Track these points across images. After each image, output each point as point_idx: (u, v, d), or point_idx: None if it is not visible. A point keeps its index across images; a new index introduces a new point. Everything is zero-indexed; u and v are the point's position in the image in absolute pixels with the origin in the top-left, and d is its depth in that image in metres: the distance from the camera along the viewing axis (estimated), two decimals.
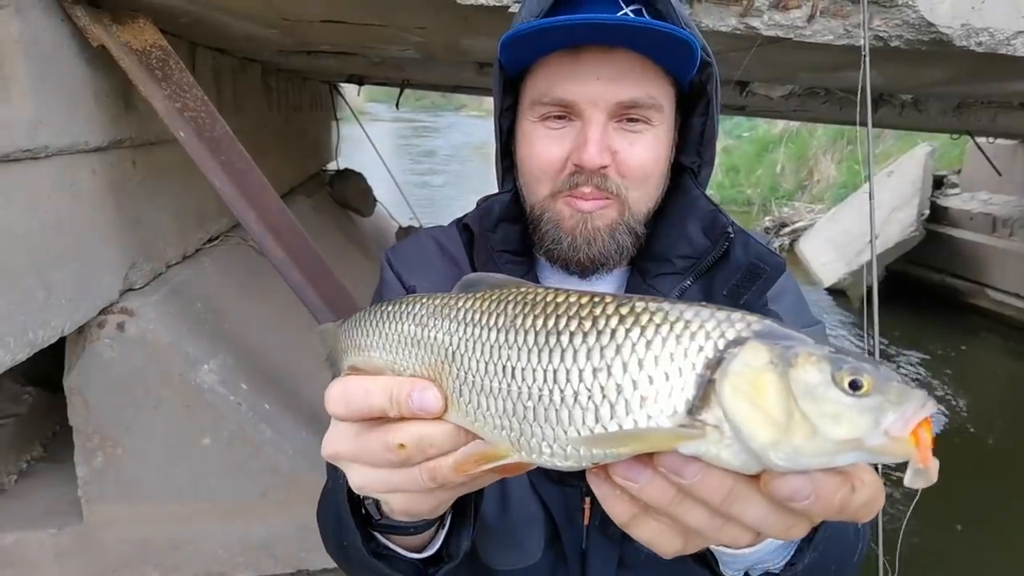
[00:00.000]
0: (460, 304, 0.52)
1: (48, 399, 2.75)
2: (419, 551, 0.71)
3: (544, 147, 0.83)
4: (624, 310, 0.45)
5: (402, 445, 0.50)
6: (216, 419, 2.33)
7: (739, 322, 0.43)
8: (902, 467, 0.40)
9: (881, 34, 2.12)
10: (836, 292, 8.06)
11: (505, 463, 0.48)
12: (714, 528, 0.45)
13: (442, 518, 0.70)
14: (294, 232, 2.23)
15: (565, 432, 0.45)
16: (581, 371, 0.45)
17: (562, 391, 0.45)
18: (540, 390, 0.46)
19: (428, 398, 0.50)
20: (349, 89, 7.03)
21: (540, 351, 0.46)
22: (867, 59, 2.00)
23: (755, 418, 0.40)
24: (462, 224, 0.96)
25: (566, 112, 0.82)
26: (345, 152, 7.62)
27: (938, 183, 8.49)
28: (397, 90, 6.27)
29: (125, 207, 2.30)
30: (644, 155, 0.82)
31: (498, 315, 0.49)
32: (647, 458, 0.43)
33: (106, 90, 2.14)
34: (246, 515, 2.42)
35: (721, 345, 0.42)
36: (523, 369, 0.47)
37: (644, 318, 0.44)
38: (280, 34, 2.79)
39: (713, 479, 0.43)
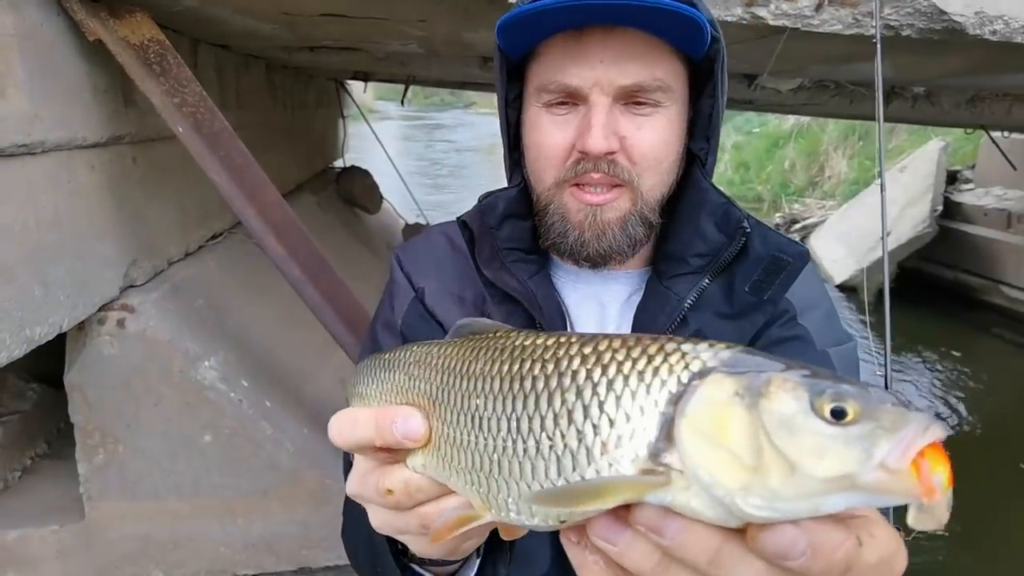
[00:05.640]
0: (441, 351, 0.51)
1: (53, 395, 2.75)
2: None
3: (549, 134, 0.80)
4: (587, 350, 0.42)
5: (390, 491, 0.49)
6: (217, 416, 2.32)
7: (705, 352, 0.39)
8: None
9: (892, 23, 2.07)
10: (847, 289, 7.97)
11: (480, 524, 0.45)
12: None
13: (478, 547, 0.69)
14: (294, 229, 2.21)
15: (529, 487, 0.41)
16: (543, 418, 0.41)
17: (524, 441, 0.42)
18: (504, 441, 0.43)
19: (412, 425, 0.48)
20: (358, 87, 7.02)
21: (504, 399, 0.44)
22: (880, 46, 1.95)
23: (718, 460, 0.35)
24: (461, 221, 0.91)
25: (570, 98, 0.79)
26: (353, 149, 7.62)
27: (952, 178, 8.37)
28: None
29: (125, 203, 2.29)
30: (653, 138, 0.79)
31: (471, 363, 0.47)
32: (625, 516, 0.38)
33: (104, 85, 2.13)
34: (247, 513, 2.40)
35: (685, 378, 0.38)
36: (488, 419, 0.44)
37: (607, 356, 0.41)
38: (281, 29, 2.78)
39: (696, 536, 0.37)
